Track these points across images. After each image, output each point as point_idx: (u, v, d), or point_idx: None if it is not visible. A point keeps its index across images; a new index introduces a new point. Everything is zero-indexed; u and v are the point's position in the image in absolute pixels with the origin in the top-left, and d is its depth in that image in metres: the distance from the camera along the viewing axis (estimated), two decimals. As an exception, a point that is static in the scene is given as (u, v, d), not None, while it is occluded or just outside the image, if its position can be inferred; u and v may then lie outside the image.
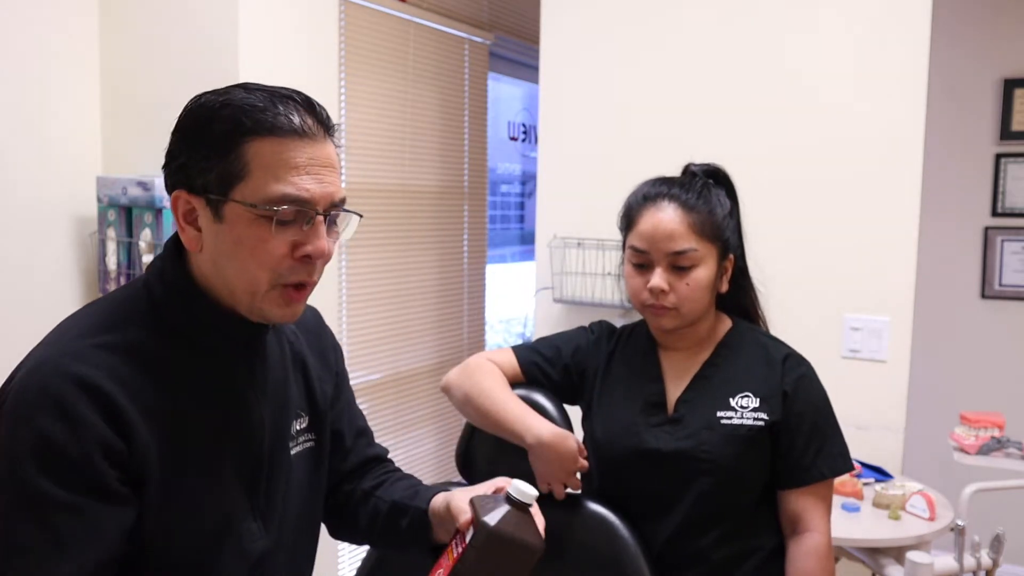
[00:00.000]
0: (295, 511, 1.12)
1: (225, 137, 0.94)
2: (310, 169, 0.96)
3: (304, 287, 1.00)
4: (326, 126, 0.99)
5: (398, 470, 1.31)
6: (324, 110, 1.00)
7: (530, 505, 1.00)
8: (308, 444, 1.14)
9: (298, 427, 1.13)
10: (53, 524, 0.87)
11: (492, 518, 0.98)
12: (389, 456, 1.34)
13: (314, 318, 1.24)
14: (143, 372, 0.94)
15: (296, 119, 0.96)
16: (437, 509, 1.14)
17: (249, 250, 0.95)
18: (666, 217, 1.37)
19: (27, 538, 0.87)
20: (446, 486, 1.22)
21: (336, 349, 1.26)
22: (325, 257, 0.98)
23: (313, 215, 0.96)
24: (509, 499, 1.00)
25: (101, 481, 0.89)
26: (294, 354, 1.15)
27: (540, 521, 1.05)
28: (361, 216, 1.06)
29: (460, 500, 1.08)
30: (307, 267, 0.98)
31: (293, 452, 1.11)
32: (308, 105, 0.98)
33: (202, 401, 0.99)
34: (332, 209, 0.99)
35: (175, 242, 1.02)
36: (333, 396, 1.21)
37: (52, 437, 0.87)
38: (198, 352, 1.00)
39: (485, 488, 1.12)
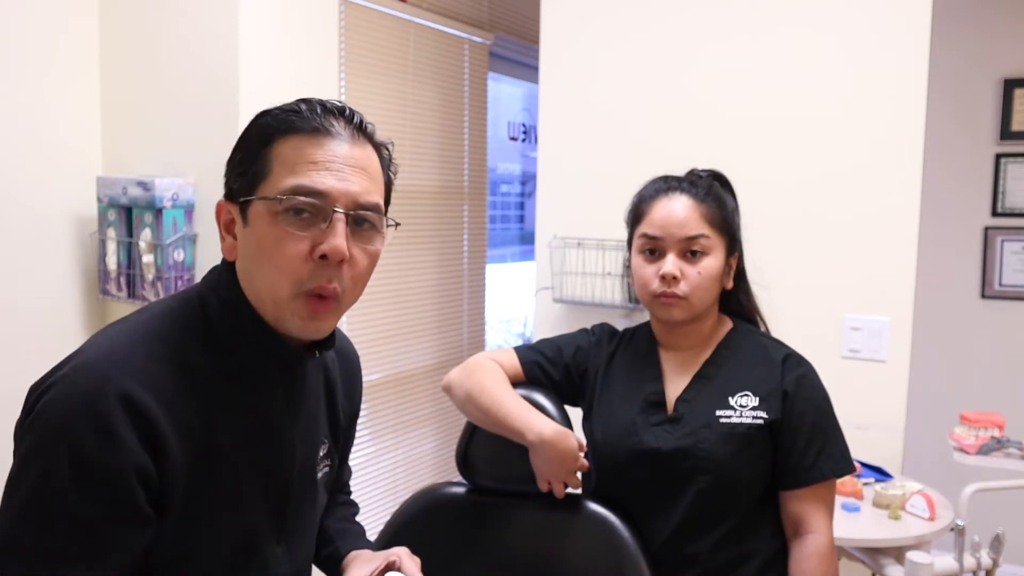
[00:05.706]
0: (313, 534, 1.13)
1: (257, 141, 0.96)
2: (330, 165, 0.94)
3: (327, 299, 0.95)
4: (360, 129, 0.99)
5: (344, 488, 1.35)
6: (360, 116, 1.00)
7: None
8: (326, 469, 1.15)
9: (322, 452, 1.13)
10: (73, 538, 0.86)
11: None
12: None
13: (354, 355, 1.24)
14: (188, 389, 0.93)
15: (321, 119, 0.96)
16: (345, 567, 1.15)
17: (268, 252, 0.93)
18: (679, 205, 1.41)
19: (46, 546, 0.86)
20: (368, 542, 1.25)
21: (361, 390, 1.26)
22: (341, 256, 0.93)
23: (331, 212, 0.93)
24: None
25: (129, 501, 0.88)
26: (327, 380, 1.15)
27: None
28: (398, 225, 1.03)
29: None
30: (326, 271, 0.93)
31: (319, 477, 1.12)
32: (340, 110, 0.98)
33: (239, 423, 0.98)
34: (357, 210, 0.95)
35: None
36: (346, 429, 1.22)
37: (89, 452, 0.86)
38: (244, 373, 0.99)
39: (378, 562, 1.11)
